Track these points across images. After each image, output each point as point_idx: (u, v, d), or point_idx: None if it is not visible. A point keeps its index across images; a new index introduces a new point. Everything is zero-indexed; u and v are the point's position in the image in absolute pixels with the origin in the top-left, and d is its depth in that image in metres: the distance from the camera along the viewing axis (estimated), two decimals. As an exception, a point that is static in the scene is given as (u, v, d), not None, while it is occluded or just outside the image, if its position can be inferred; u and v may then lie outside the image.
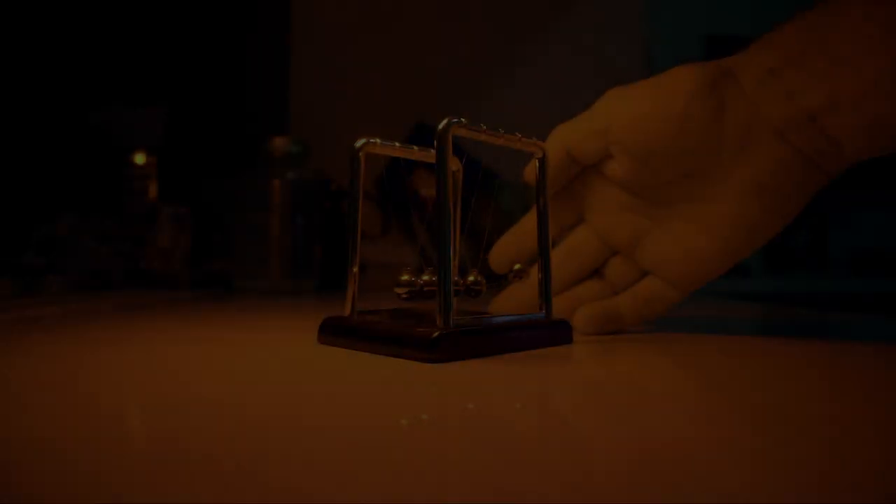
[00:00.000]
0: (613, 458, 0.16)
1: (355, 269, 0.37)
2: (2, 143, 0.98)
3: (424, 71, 1.35)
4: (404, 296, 0.34)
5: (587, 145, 0.40)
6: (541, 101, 1.34)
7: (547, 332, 0.36)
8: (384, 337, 0.32)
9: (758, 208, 0.37)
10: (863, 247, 2.63)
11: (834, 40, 0.33)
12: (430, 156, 0.39)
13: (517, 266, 0.37)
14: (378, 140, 0.38)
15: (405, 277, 0.35)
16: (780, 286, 2.35)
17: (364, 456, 0.16)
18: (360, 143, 0.37)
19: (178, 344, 0.37)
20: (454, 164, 0.41)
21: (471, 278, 0.36)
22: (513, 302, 0.43)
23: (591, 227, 0.43)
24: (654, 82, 0.38)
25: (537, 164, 0.38)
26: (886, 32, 0.31)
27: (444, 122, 0.31)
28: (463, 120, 0.32)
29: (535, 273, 0.40)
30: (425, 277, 0.35)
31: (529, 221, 0.43)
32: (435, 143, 0.32)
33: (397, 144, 0.39)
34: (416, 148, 0.39)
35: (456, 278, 0.35)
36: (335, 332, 0.35)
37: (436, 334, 0.30)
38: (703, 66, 0.38)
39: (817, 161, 0.35)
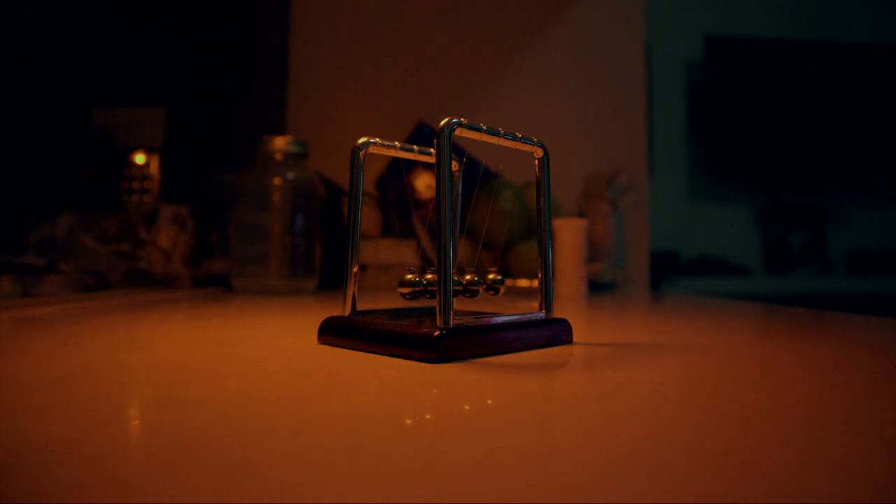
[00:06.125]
0: (613, 457, 0.16)
1: (355, 269, 0.37)
2: (2, 142, 0.98)
3: (424, 71, 1.35)
4: (408, 296, 0.34)
5: None
6: (541, 101, 1.34)
7: (547, 331, 0.36)
8: (384, 337, 0.32)
9: None
10: (861, 247, 2.63)
11: None
12: (429, 156, 0.39)
13: (490, 276, 0.37)
14: (378, 140, 0.38)
15: (409, 277, 0.35)
16: (779, 286, 2.35)
17: (364, 456, 0.16)
18: (359, 142, 0.37)
19: (178, 343, 0.37)
20: (454, 165, 0.41)
21: (468, 277, 0.36)
22: None
23: None
24: None
25: (537, 164, 0.38)
26: None
27: (445, 122, 0.31)
28: (463, 120, 0.32)
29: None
30: (429, 277, 0.35)
31: None
32: (435, 143, 0.32)
33: (397, 144, 0.39)
34: (416, 148, 0.39)
35: (456, 278, 0.35)
36: (335, 332, 0.35)
37: (436, 334, 0.30)
38: None
39: None
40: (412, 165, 1.04)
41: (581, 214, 1.20)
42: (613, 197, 1.21)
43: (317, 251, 0.90)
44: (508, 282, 0.99)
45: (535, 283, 0.93)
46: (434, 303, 0.31)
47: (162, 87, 1.22)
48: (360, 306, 0.38)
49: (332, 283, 0.95)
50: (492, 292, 0.37)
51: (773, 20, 2.73)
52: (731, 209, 2.70)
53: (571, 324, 0.38)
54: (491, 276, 0.36)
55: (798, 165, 2.60)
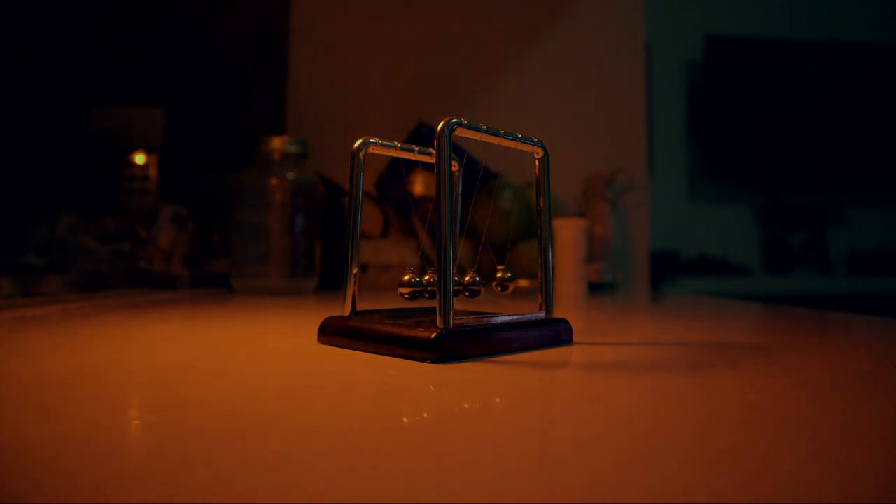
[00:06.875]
0: (613, 457, 0.16)
1: (355, 270, 0.37)
2: (3, 142, 0.98)
3: (424, 71, 1.35)
4: (406, 296, 0.35)
5: None
6: (541, 101, 1.34)
7: (547, 331, 0.36)
8: (384, 337, 0.32)
9: None
10: (861, 247, 2.63)
11: None
12: (429, 156, 0.39)
13: (499, 274, 0.37)
14: (378, 140, 0.38)
15: (407, 277, 0.35)
16: (779, 286, 2.35)
17: (364, 456, 0.16)
18: (359, 143, 0.37)
19: (178, 343, 0.37)
20: (454, 165, 0.41)
21: (467, 278, 0.36)
22: None
23: None
24: None
25: (537, 164, 0.38)
26: None
27: (445, 122, 0.31)
28: (463, 120, 0.32)
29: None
30: (427, 277, 0.35)
31: None
32: (435, 143, 0.32)
33: (397, 144, 0.39)
34: (416, 148, 0.39)
35: (456, 278, 0.35)
36: (335, 332, 0.35)
37: (435, 334, 0.30)
38: None
39: None
40: (412, 165, 1.04)
41: (581, 214, 1.20)
42: (613, 197, 1.21)
43: (317, 251, 0.90)
44: (508, 282, 0.98)
45: (536, 283, 0.93)
46: (434, 303, 0.31)
47: (162, 87, 1.22)
48: (361, 306, 0.38)
49: (332, 283, 0.95)
50: (500, 289, 0.37)
51: (773, 20, 2.72)
52: (731, 209, 2.70)
53: (571, 324, 0.38)
54: (500, 275, 0.37)
55: (798, 165, 2.60)
